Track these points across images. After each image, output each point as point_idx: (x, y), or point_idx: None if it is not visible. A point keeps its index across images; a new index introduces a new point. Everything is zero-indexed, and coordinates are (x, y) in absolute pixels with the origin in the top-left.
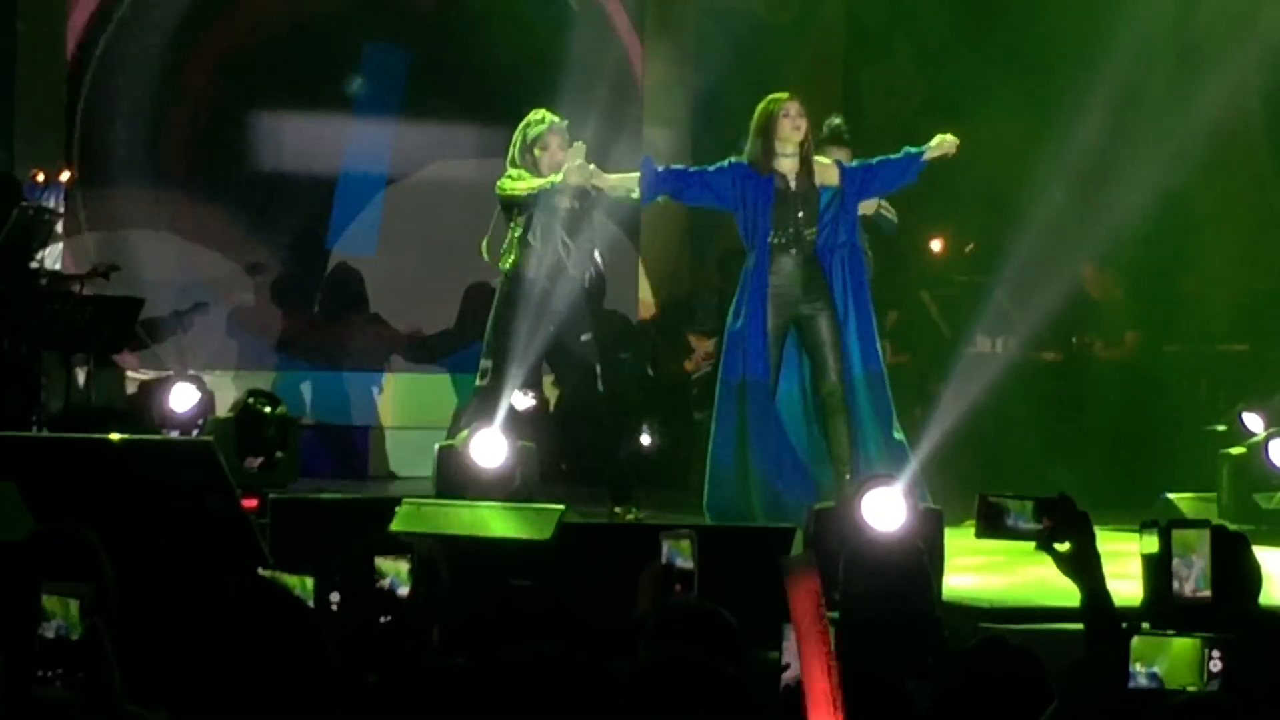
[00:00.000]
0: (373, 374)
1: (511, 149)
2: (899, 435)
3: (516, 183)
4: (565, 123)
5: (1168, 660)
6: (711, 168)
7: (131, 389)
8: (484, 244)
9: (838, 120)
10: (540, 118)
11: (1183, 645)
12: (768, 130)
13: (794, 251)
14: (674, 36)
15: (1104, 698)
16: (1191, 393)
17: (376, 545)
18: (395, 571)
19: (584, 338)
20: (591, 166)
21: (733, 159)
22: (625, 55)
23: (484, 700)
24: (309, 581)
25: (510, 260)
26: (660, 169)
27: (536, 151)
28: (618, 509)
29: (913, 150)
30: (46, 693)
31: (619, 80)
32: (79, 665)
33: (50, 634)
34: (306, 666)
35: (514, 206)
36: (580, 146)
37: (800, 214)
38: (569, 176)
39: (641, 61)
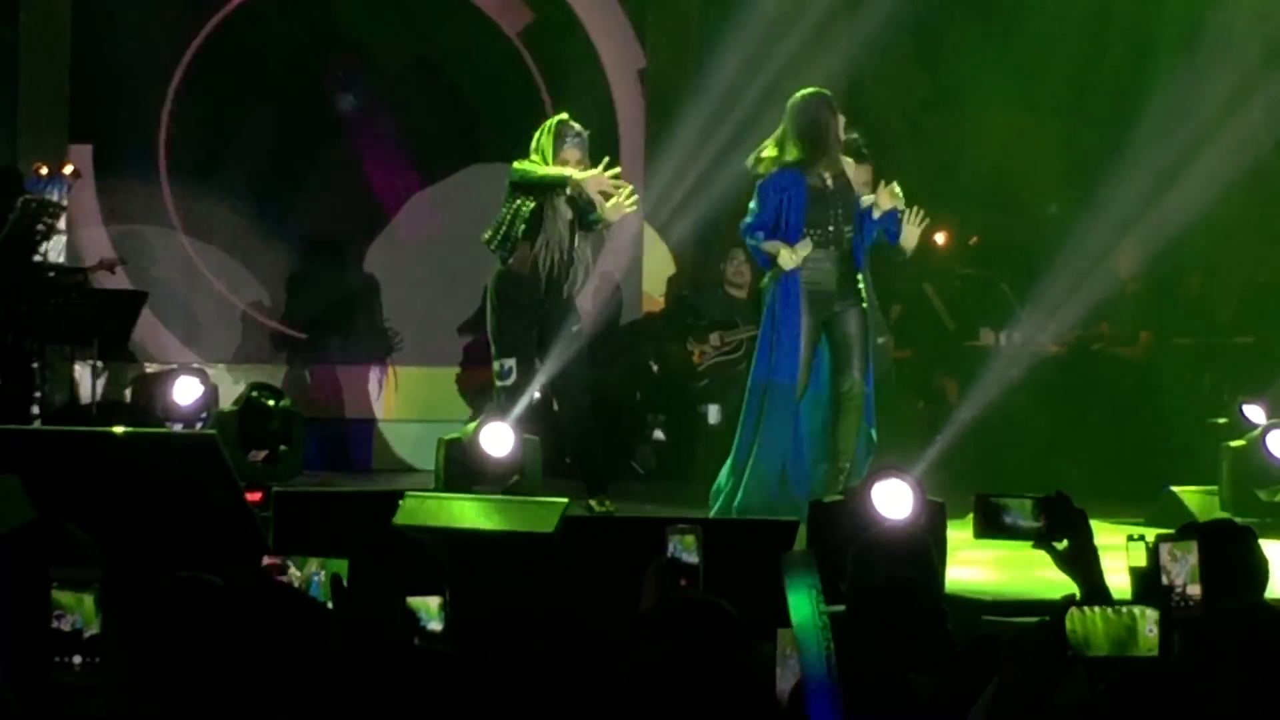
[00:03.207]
0: (376, 367)
1: (536, 143)
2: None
3: (535, 167)
4: (588, 134)
5: (1104, 631)
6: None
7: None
8: (490, 232)
9: (854, 135)
10: (574, 129)
11: (1118, 616)
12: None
13: (831, 249)
14: (677, 29)
15: (1043, 672)
16: (1196, 385)
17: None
18: (424, 608)
19: (574, 328)
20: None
21: (768, 169)
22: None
23: (486, 693)
24: (339, 564)
25: (509, 247)
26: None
27: (564, 154)
28: (591, 501)
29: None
30: (64, 678)
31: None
32: (95, 652)
33: (66, 628)
34: (306, 658)
35: (521, 195)
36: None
37: (839, 211)
38: (590, 184)
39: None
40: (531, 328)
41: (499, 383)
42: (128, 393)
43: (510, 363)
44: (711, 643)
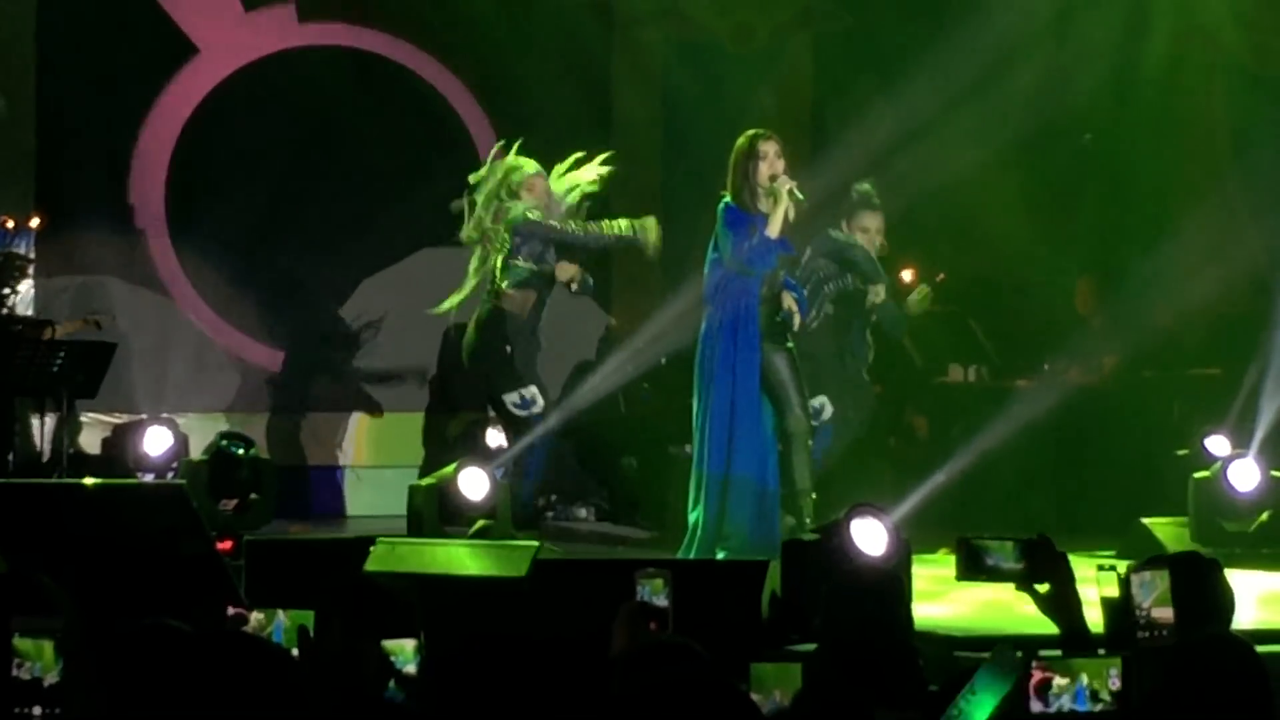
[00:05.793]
0: (346, 414)
1: (486, 188)
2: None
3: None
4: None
5: (1066, 681)
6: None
7: (105, 433)
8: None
9: (866, 185)
10: (532, 168)
11: (1080, 666)
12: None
13: (764, 290)
14: (642, 71)
15: None
16: (1165, 416)
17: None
18: (400, 651)
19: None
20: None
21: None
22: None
23: None
24: (304, 615)
25: (504, 284)
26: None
27: (521, 195)
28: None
29: None
30: None
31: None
32: (55, 702)
33: (25, 676)
34: (271, 704)
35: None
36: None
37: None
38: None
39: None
40: (537, 360)
41: (521, 412)
42: (98, 443)
43: (532, 390)
44: (710, 671)
